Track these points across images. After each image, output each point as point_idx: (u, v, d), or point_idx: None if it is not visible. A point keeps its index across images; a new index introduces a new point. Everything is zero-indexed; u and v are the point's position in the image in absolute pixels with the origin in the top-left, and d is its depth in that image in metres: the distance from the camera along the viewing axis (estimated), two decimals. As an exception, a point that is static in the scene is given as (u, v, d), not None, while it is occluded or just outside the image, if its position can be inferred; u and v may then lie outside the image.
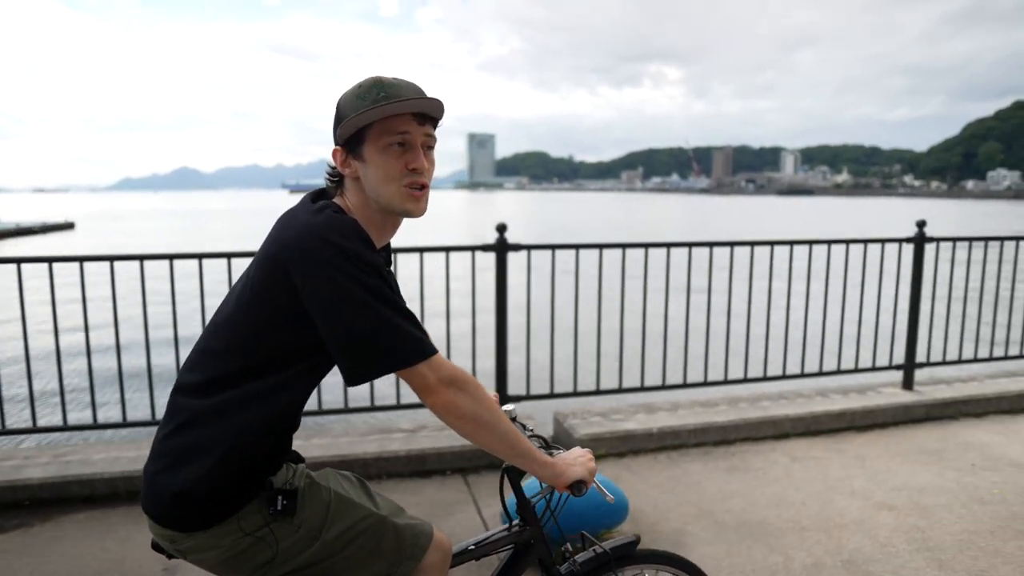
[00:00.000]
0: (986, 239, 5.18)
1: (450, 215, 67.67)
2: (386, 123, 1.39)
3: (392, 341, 1.31)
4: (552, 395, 4.45)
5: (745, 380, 4.74)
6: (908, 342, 5.00)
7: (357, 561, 1.48)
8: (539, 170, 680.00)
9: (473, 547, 1.67)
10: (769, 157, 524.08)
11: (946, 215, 65.19)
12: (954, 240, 5.06)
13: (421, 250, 4.08)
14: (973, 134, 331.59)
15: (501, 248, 4.10)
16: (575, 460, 1.55)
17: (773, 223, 52.14)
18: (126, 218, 67.31)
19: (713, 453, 4.15)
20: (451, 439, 4.02)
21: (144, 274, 3.86)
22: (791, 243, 4.84)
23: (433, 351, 1.36)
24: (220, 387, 1.39)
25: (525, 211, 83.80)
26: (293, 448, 1.54)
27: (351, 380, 1.33)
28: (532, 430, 1.75)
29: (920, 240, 4.90)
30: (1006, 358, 5.36)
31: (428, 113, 1.43)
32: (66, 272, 3.76)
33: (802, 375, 4.87)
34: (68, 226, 47.67)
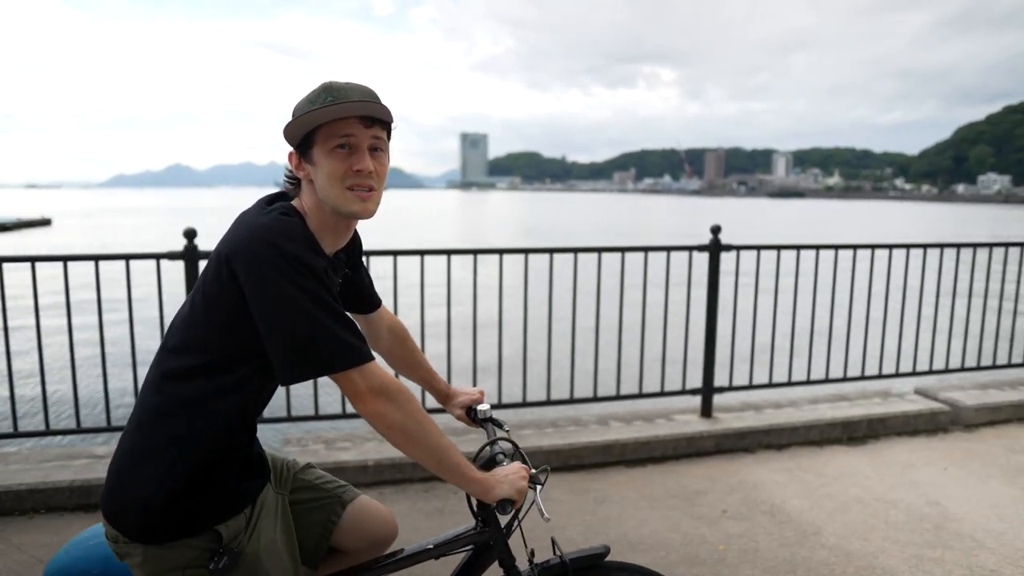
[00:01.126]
0: (789, 247, 4.62)
1: (434, 215, 67.14)
2: (332, 126, 1.40)
3: (325, 345, 1.33)
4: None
5: (498, 406, 4.20)
6: (705, 363, 4.46)
7: None
8: (531, 170, 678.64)
9: (432, 547, 1.66)
10: (761, 159, 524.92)
11: (942, 219, 65.00)
12: (759, 248, 4.54)
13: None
14: (964, 138, 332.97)
15: (189, 256, 3.56)
16: (504, 478, 1.51)
17: (732, 226, 51.66)
18: (108, 215, 66.42)
19: (435, 490, 3.61)
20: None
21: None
22: (575, 251, 4.32)
23: (367, 359, 1.37)
24: (174, 385, 1.41)
25: (515, 211, 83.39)
26: (258, 453, 1.57)
27: (283, 380, 1.37)
28: (508, 431, 1.75)
29: (715, 248, 4.36)
30: (827, 381, 4.83)
31: (375, 116, 1.43)
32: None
33: (567, 401, 4.33)
34: (44, 222, 46.82)
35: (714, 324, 4.40)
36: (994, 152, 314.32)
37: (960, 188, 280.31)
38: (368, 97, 1.43)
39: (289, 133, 1.43)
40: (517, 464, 1.58)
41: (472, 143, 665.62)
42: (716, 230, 4.32)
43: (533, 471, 1.59)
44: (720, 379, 4.52)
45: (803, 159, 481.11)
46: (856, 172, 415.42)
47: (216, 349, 1.39)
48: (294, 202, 1.48)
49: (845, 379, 4.83)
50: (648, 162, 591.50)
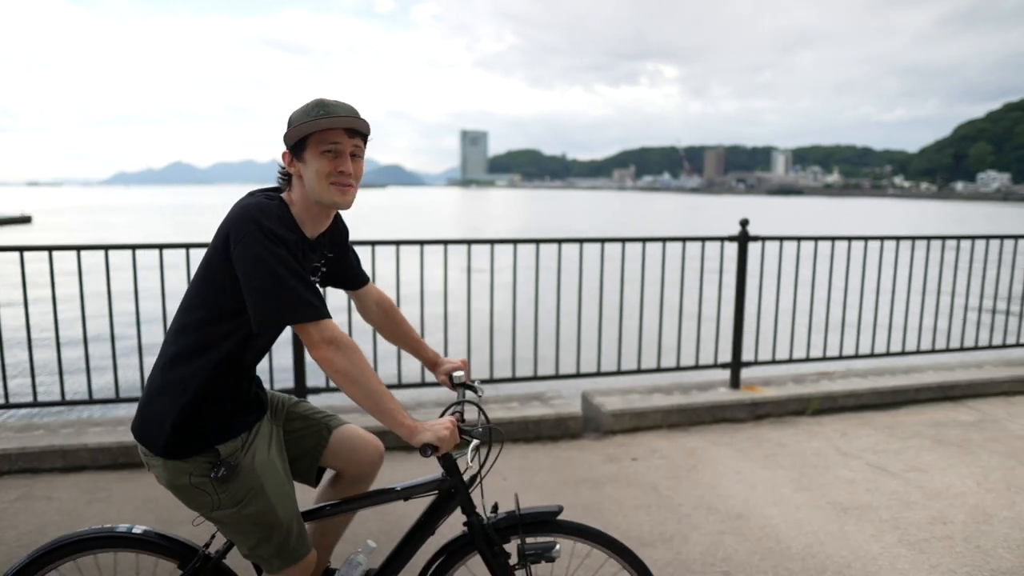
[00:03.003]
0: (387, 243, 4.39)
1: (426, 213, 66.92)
2: (323, 135, 1.77)
3: (288, 301, 1.66)
4: None
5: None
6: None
7: (251, 538, 1.87)
8: (532, 168, 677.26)
9: (400, 489, 1.98)
10: (762, 157, 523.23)
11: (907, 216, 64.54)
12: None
13: None
14: (964, 135, 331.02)
15: None
16: (430, 427, 1.78)
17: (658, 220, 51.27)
18: (99, 212, 66.09)
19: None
20: None
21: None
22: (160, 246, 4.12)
23: (323, 316, 1.70)
24: (184, 335, 1.79)
25: (491, 210, 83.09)
26: (256, 394, 1.95)
27: (255, 327, 1.70)
28: (480, 396, 2.13)
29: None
30: (399, 386, 4.57)
31: (357, 129, 1.80)
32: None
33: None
34: (24, 220, 46.49)
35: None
36: (994, 150, 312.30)
37: (959, 186, 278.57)
38: (352, 114, 1.80)
39: (288, 137, 1.80)
40: (447, 418, 1.84)
41: (472, 140, 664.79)
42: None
43: (466, 427, 1.84)
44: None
45: (803, 157, 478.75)
46: (856, 170, 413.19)
47: (213, 305, 1.75)
48: (284, 194, 1.84)
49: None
50: (648, 160, 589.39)
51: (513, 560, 2.02)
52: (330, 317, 1.72)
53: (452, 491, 1.97)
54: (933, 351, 5.81)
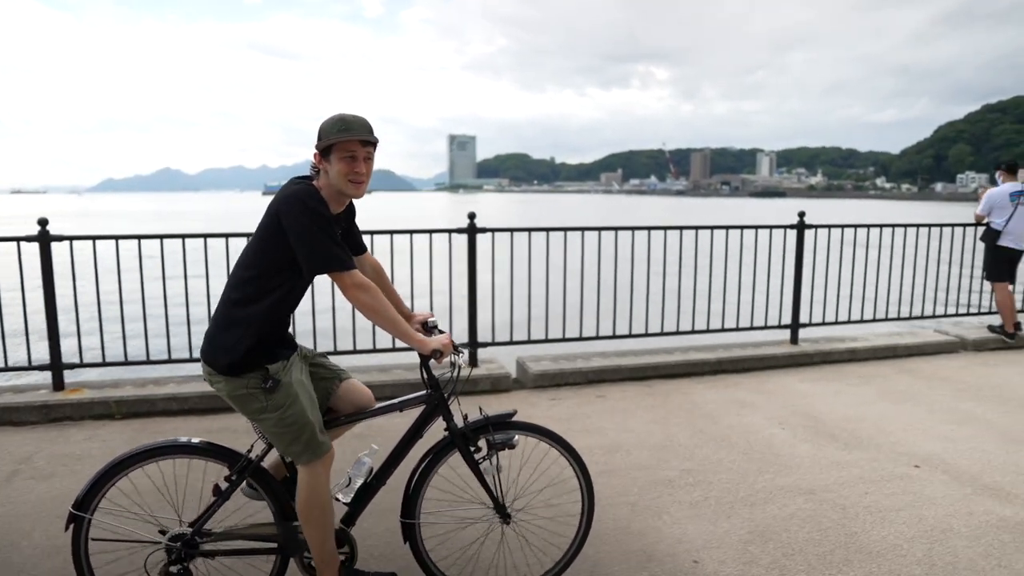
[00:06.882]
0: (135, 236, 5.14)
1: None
2: (343, 144, 2.39)
3: (328, 256, 2.31)
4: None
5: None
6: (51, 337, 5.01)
7: (288, 436, 2.44)
8: (520, 172, 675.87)
9: (397, 402, 2.63)
10: (749, 159, 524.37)
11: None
12: (94, 238, 5.05)
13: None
14: (944, 137, 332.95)
15: None
16: (436, 340, 2.50)
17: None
18: (58, 220, 64.24)
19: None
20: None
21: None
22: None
23: (352, 267, 2.36)
24: (242, 286, 2.41)
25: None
26: (290, 336, 2.62)
27: (307, 275, 2.39)
28: (444, 332, 2.69)
29: (44, 240, 4.95)
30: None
31: (368, 140, 2.43)
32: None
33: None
34: None
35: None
36: (973, 151, 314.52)
37: (939, 187, 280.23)
38: (365, 128, 2.41)
39: (318, 144, 2.41)
40: (445, 334, 2.58)
41: (460, 145, 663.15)
42: (43, 222, 4.86)
43: (456, 344, 2.53)
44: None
45: (789, 158, 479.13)
46: (841, 171, 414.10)
47: (267, 264, 2.38)
48: (315, 181, 2.45)
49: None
50: (636, 163, 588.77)
51: (482, 454, 2.62)
52: (356, 267, 2.36)
53: (436, 404, 2.60)
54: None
